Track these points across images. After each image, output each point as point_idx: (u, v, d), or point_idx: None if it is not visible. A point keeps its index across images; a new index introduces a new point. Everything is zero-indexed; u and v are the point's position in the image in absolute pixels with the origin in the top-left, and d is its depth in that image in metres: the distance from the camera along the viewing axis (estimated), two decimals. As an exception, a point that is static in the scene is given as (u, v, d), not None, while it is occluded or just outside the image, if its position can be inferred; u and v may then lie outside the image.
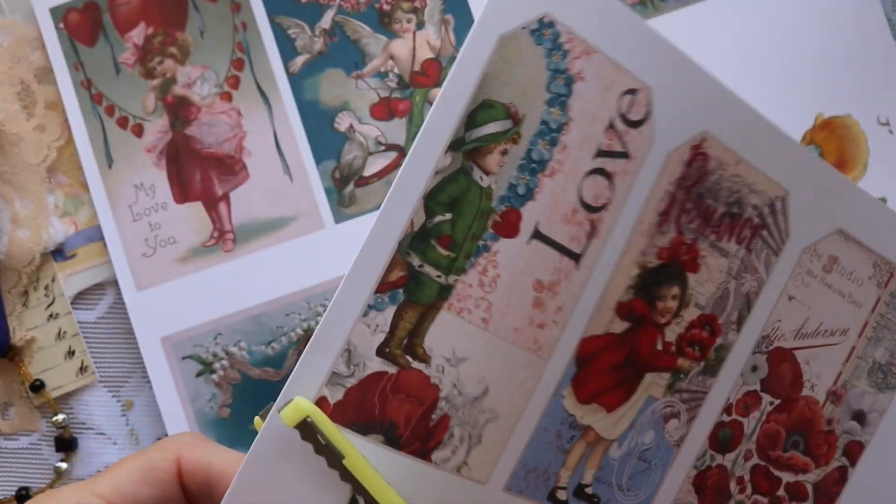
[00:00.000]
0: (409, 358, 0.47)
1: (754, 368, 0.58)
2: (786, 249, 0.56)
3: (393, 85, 0.64)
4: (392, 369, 0.46)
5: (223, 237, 0.64)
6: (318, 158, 0.64)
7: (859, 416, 0.60)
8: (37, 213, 0.64)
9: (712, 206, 0.53)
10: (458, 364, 0.47)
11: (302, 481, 0.45)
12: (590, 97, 0.48)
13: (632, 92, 0.49)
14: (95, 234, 0.65)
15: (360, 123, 0.64)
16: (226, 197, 0.64)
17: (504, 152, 0.47)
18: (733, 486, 0.59)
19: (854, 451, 0.60)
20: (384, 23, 0.64)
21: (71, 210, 0.65)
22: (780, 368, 0.58)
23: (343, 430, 0.45)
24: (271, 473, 0.45)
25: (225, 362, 0.64)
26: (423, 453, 0.48)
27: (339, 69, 0.64)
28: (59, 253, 0.65)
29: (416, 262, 0.46)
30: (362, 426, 0.46)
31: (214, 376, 0.64)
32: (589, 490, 0.54)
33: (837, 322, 0.58)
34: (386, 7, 0.64)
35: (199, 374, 0.64)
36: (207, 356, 0.64)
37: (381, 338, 0.46)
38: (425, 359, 0.47)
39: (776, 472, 0.59)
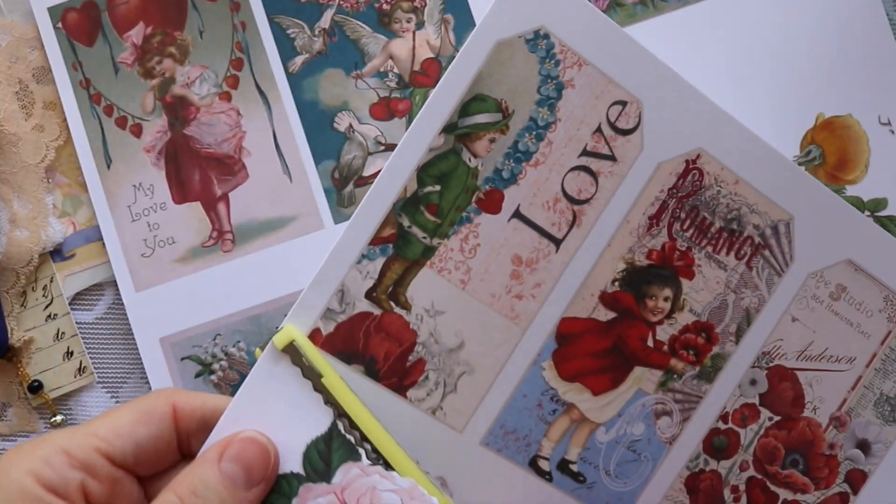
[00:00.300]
0: (392, 304, 0.55)
1: (753, 382, 0.59)
2: (790, 272, 0.59)
3: (392, 85, 0.65)
4: (377, 311, 0.55)
5: (222, 237, 0.65)
6: (318, 158, 0.65)
7: (863, 446, 0.61)
8: (35, 213, 0.65)
9: (709, 219, 0.57)
10: (435, 315, 0.55)
11: (291, 405, 0.51)
12: (579, 103, 0.56)
13: (622, 103, 0.56)
14: (94, 235, 0.65)
15: (360, 123, 0.65)
16: (225, 197, 0.65)
17: (492, 140, 0.55)
18: (727, 493, 0.60)
19: (857, 479, 0.61)
20: (384, 22, 0.65)
21: (69, 210, 0.66)
22: (781, 386, 0.59)
23: (330, 357, 0.53)
24: (265, 396, 0.51)
25: (224, 363, 0.65)
26: (399, 389, 0.55)
27: (338, 69, 0.65)
28: (57, 253, 0.66)
29: (405, 222, 0.55)
30: (347, 356, 0.54)
31: (213, 377, 0.65)
32: (574, 467, 0.58)
33: (844, 349, 0.60)
34: (385, 7, 0.65)
35: (197, 375, 0.65)
36: (206, 357, 0.64)
37: (370, 283, 0.55)
38: (406, 306, 0.55)
39: (773, 488, 0.61)
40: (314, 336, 0.54)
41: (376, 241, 0.55)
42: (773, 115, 0.64)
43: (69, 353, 0.65)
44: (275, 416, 0.51)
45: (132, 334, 0.64)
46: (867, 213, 0.63)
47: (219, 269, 0.65)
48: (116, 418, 0.49)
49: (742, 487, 0.61)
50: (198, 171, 0.65)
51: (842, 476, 0.61)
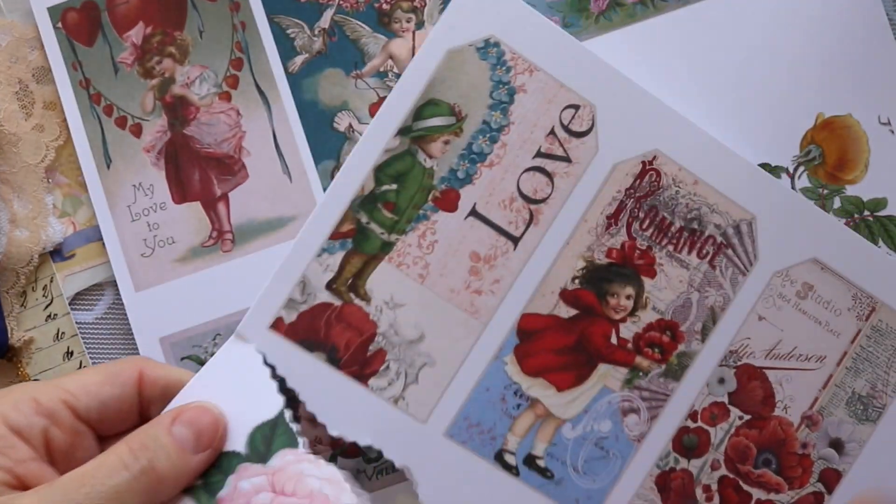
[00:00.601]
0: (352, 295, 0.62)
1: (721, 381, 0.64)
2: (754, 271, 0.64)
3: (392, 84, 0.69)
4: (337, 302, 0.62)
5: (222, 237, 0.69)
6: (318, 158, 0.69)
7: (837, 445, 0.65)
8: (35, 213, 0.70)
9: (668, 219, 0.64)
10: (395, 308, 0.62)
11: (247, 389, 0.57)
12: (531, 107, 0.63)
13: (574, 107, 0.63)
14: (94, 235, 0.71)
15: (360, 123, 0.69)
16: (225, 197, 0.70)
17: (447, 142, 0.63)
18: (699, 492, 0.65)
19: (831, 478, 0.65)
20: (383, 22, 0.70)
21: (69, 210, 0.71)
22: (750, 385, 0.64)
23: (293, 345, 0.61)
24: (225, 377, 0.57)
25: None
26: (361, 377, 0.62)
27: (338, 69, 0.70)
28: (57, 253, 0.71)
29: (363, 219, 0.62)
30: (309, 344, 0.62)
31: None
32: (541, 462, 0.63)
33: (813, 348, 0.65)
34: (385, 6, 0.70)
35: None
36: (206, 356, 0.68)
37: (330, 275, 0.62)
38: (366, 298, 0.62)
39: (746, 487, 0.65)
40: (278, 324, 0.62)
41: (336, 235, 0.62)
42: (772, 115, 0.68)
43: (69, 353, 0.70)
44: (231, 395, 0.58)
45: (132, 334, 0.70)
46: (867, 212, 0.69)
47: (219, 268, 0.69)
48: (86, 376, 0.56)
49: (714, 487, 0.65)
50: (198, 171, 0.70)
51: (815, 475, 0.65)
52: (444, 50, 0.63)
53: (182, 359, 0.68)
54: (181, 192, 0.69)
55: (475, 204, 0.63)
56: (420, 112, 0.63)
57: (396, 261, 0.63)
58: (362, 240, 0.63)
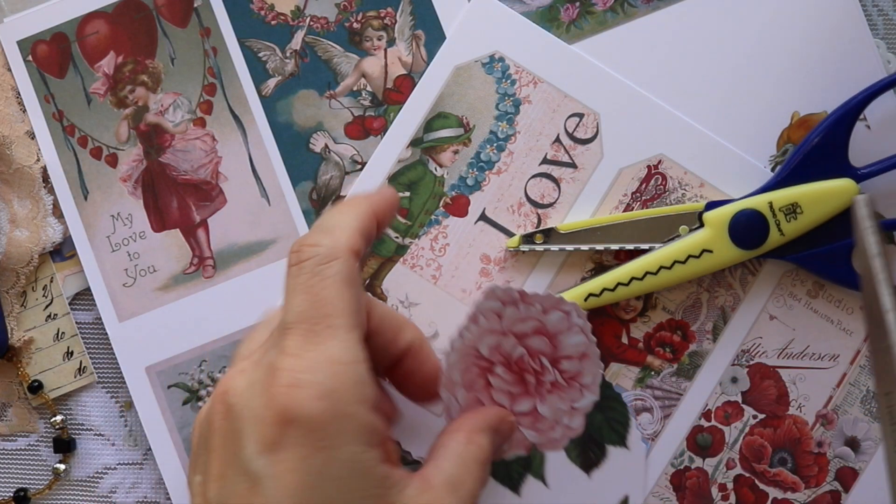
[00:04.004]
0: (369, 294, 0.63)
1: (734, 380, 0.65)
2: (763, 270, 0.65)
3: (366, 103, 0.68)
4: None
5: (203, 264, 0.69)
6: (295, 180, 0.69)
7: (852, 443, 0.65)
8: (35, 213, 0.69)
9: None
10: (410, 306, 0.67)
11: None
12: (536, 116, 0.67)
13: (578, 115, 0.66)
14: None
15: (335, 143, 0.69)
16: (204, 223, 0.69)
17: (456, 151, 0.67)
18: (715, 491, 0.65)
19: (847, 477, 0.66)
20: (355, 41, 0.69)
21: None
22: (763, 384, 0.65)
23: None
24: None
25: (211, 389, 0.68)
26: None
27: (311, 90, 0.69)
28: (57, 253, 0.70)
29: None
30: None
31: (201, 403, 0.68)
32: None
33: (826, 347, 0.65)
34: (356, 25, 0.69)
35: (185, 402, 0.68)
36: (193, 384, 0.68)
37: None
38: (382, 297, 0.66)
39: (762, 486, 0.65)
40: None
41: None
42: (748, 116, 0.67)
43: (69, 353, 0.70)
44: None
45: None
46: (848, 210, 0.65)
47: (201, 295, 0.68)
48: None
49: (730, 486, 0.65)
50: (175, 199, 0.69)
51: (832, 474, 0.65)
52: (451, 66, 0.66)
53: (169, 387, 0.67)
54: (160, 221, 0.68)
55: (484, 209, 0.66)
56: (430, 124, 0.66)
57: (410, 263, 0.66)
58: (378, 243, 0.66)
